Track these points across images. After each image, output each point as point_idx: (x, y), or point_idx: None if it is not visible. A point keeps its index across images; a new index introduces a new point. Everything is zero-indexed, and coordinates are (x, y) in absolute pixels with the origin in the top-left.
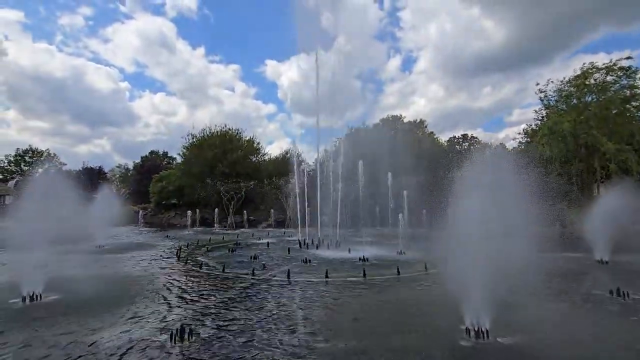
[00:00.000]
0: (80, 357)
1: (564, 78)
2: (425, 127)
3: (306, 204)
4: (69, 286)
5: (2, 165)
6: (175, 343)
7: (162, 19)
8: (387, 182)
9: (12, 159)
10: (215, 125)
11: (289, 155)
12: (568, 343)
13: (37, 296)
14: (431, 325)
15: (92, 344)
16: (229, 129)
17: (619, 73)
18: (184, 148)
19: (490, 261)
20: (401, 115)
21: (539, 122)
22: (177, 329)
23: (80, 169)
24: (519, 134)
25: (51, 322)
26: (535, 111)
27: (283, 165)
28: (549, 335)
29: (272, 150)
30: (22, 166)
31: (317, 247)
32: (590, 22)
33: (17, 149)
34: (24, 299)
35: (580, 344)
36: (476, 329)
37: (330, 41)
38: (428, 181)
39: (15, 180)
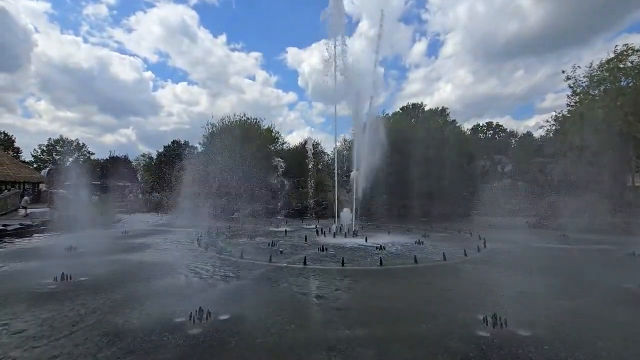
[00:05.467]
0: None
1: (592, 63)
2: (447, 114)
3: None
4: (97, 269)
5: (35, 154)
6: (193, 323)
7: (183, 7)
8: (404, 171)
9: (44, 149)
10: (234, 115)
11: (307, 144)
12: (590, 338)
13: (67, 277)
14: (447, 314)
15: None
16: (248, 118)
17: None
18: (204, 137)
19: (515, 252)
20: (422, 103)
21: (570, 108)
22: (196, 310)
23: (107, 158)
24: (547, 121)
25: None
26: (568, 96)
27: (302, 154)
28: (571, 328)
29: (293, 139)
30: (53, 155)
31: (334, 236)
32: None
33: (49, 138)
34: (55, 280)
35: (604, 339)
36: (494, 319)
37: (353, 25)
38: (447, 170)
39: (48, 168)
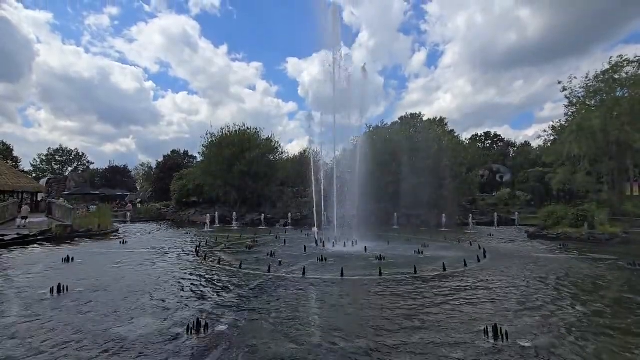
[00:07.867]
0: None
1: (587, 73)
2: (446, 124)
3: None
4: (94, 281)
5: (35, 164)
6: (191, 335)
7: (185, 17)
8: (402, 181)
9: (43, 158)
10: (234, 124)
11: (307, 154)
12: (591, 349)
13: (64, 288)
14: (447, 325)
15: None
16: (247, 128)
17: None
18: (203, 147)
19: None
20: (420, 113)
21: (567, 118)
22: (193, 322)
23: (107, 167)
24: (545, 131)
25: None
26: (566, 106)
27: (301, 164)
28: (573, 340)
29: (292, 148)
30: (52, 165)
31: (333, 245)
32: (636, 9)
33: (49, 148)
34: (51, 291)
35: (605, 352)
36: (495, 330)
37: (352, 36)
38: (446, 180)
39: (47, 178)
